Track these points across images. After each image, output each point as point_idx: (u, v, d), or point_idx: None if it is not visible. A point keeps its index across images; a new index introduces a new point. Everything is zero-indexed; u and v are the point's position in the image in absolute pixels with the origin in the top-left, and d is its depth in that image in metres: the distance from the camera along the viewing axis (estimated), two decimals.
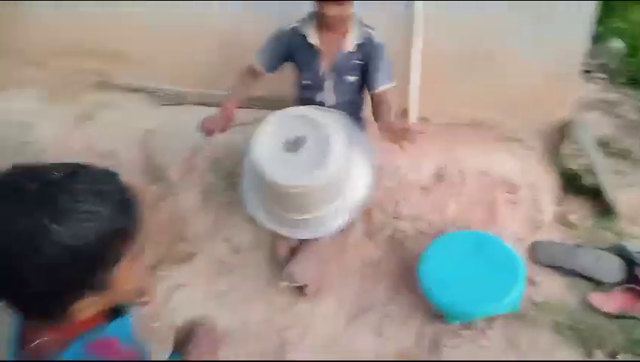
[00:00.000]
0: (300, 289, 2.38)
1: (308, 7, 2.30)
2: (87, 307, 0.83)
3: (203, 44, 2.98)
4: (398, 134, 2.11)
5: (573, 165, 2.69)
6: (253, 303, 2.38)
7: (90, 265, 0.78)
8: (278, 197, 2.25)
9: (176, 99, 3.13)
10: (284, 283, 2.35)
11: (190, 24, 2.93)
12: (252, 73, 2.43)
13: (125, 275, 0.85)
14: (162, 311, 2.33)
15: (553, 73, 2.62)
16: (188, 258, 2.59)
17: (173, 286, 2.45)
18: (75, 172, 0.79)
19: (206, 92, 3.07)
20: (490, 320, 2.24)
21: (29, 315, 0.84)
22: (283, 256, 2.43)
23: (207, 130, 2.32)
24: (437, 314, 2.28)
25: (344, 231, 2.53)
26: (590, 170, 2.68)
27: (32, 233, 0.72)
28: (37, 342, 0.84)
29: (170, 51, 3.03)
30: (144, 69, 3.16)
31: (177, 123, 2.96)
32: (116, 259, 0.82)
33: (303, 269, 2.34)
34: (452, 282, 2.21)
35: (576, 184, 2.68)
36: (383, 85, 2.32)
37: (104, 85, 3.25)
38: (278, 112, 2.25)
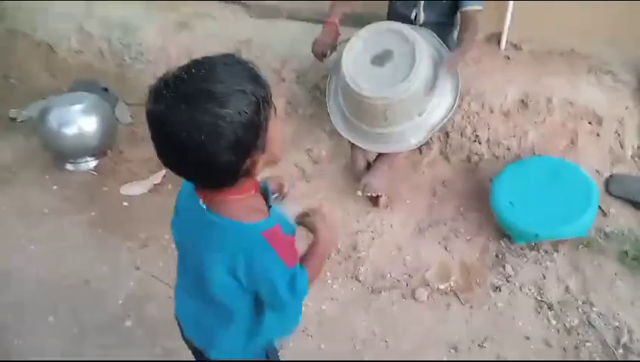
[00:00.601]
0: (374, 200, 2.52)
1: None
2: (258, 166, 0.99)
3: None
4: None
5: None
6: (329, 207, 2.54)
7: (256, 130, 0.93)
8: (362, 110, 2.36)
9: (269, 13, 3.24)
10: (360, 193, 2.49)
11: None
12: None
13: (275, 135, 0.99)
14: None
15: None
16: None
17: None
18: (213, 64, 0.92)
19: (296, 6, 3.15)
20: (557, 244, 2.30)
21: (213, 186, 1.01)
22: (360, 168, 2.56)
23: (320, 53, 2.43)
24: (505, 234, 2.36)
25: (421, 149, 2.62)
26: None
27: (213, 123, 0.87)
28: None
29: None
30: None
31: (269, 34, 3.09)
32: (267, 121, 0.96)
33: (378, 181, 2.46)
34: (523, 203, 2.27)
35: None
36: (471, 5, 2.32)
37: None
38: (369, 26, 2.32)
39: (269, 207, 1.11)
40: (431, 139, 2.56)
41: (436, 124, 2.37)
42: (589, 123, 2.53)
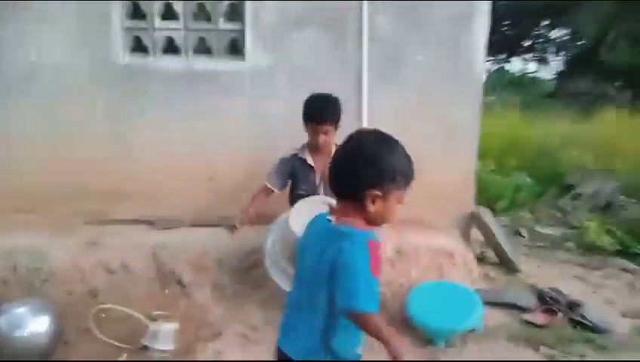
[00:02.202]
0: None
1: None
2: (368, 204, 1.52)
3: (193, 179, 3.80)
4: None
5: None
6: None
7: (389, 177, 1.51)
8: None
9: (174, 224, 3.76)
10: None
11: (180, 163, 3.78)
12: (265, 192, 3.31)
13: (389, 205, 1.53)
14: None
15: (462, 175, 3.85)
16: (216, 336, 3.07)
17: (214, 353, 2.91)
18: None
19: (197, 216, 3.78)
20: (464, 339, 3.05)
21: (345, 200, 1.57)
22: None
23: (236, 225, 3.08)
24: (426, 341, 3.02)
25: None
26: (495, 247, 3.84)
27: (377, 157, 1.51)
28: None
29: (162, 185, 3.78)
30: (139, 203, 3.81)
31: (180, 239, 3.59)
32: (390, 186, 1.51)
33: None
34: (434, 312, 3.03)
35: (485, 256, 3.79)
36: None
37: (102, 221, 3.79)
38: (303, 201, 3.11)
39: None
40: None
41: None
42: (448, 259, 3.54)
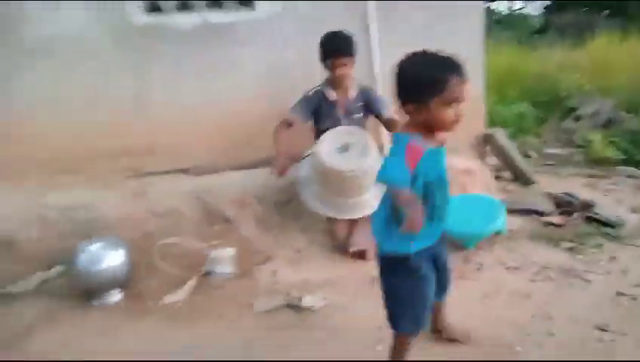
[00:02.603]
0: (362, 254, 3.29)
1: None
2: (414, 114, 1.79)
3: (216, 129, 4.02)
4: None
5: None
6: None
7: (415, 90, 1.77)
8: (337, 185, 3.26)
9: (207, 170, 4.01)
10: (353, 249, 3.27)
11: (201, 114, 3.99)
12: (286, 125, 3.52)
13: (435, 112, 1.74)
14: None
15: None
16: (268, 260, 3.37)
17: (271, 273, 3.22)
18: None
19: (229, 161, 4.02)
20: (491, 241, 3.35)
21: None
22: (343, 234, 3.37)
23: (282, 169, 3.35)
24: (459, 246, 3.32)
25: None
26: (510, 163, 4.13)
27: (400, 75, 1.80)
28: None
29: (186, 138, 4.01)
30: (167, 156, 4.05)
31: (222, 182, 3.85)
32: (422, 96, 1.74)
33: (362, 239, 3.28)
34: (462, 220, 3.31)
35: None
36: (387, 109, 3.54)
37: (140, 174, 4.03)
38: (329, 131, 3.35)
39: None
40: None
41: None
42: (468, 175, 3.82)
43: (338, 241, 3.42)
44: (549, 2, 19.69)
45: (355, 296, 2.90)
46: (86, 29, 3.86)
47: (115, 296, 3.03)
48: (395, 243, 1.92)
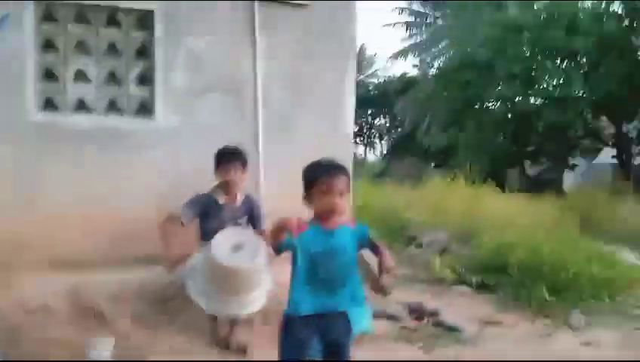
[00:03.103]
0: (244, 349, 3.48)
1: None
2: (308, 204, 2.33)
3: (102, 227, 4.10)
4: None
5: None
6: None
7: (306, 185, 2.32)
8: (230, 283, 3.48)
9: (87, 266, 3.98)
10: (233, 346, 3.45)
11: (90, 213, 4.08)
12: (172, 221, 3.73)
13: (316, 199, 2.25)
14: None
15: None
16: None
17: None
18: None
19: (111, 259, 4.06)
20: (360, 341, 3.72)
21: None
22: (224, 332, 3.54)
23: (172, 265, 3.52)
24: None
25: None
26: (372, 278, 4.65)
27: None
28: None
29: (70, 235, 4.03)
30: (48, 250, 3.99)
31: (97, 278, 3.84)
32: (309, 190, 2.30)
33: (244, 335, 3.49)
34: None
35: None
36: (261, 223, 3.92)
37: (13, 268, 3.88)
38: (222, 231, 3.62)
39: None
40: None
41: (269, 288, 3.67)
42: None
43: (219, 338, 3.56)
44: (387, 151, 22.46)
45: None
46: None
47: None
48: (289, 304, 2.33)
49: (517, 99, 16.19)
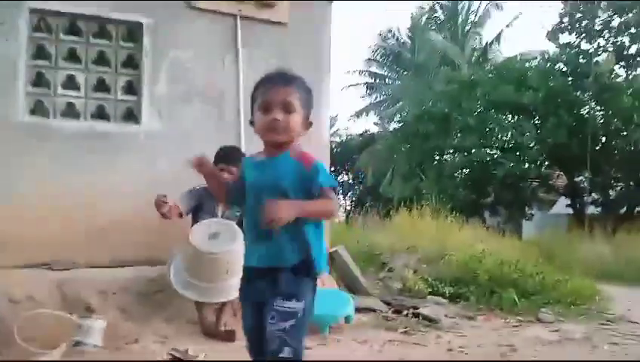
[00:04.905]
0: (231, 334, 3.53)
1: None
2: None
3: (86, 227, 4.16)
4: None
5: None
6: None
7: (253, 98, 1.92)
8: (207, 269, 3.57)
9: (74, 265, 3.99)
10: (221, 329, 3.50)
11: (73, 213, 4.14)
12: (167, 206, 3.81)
13: (256, 120, 1.85)
14: None
15: None
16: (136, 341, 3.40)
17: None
18: None
19: (99, 258, 4.09)
20: (341, 328, 3.84)
21: None
22: (211, 318, 3.60)
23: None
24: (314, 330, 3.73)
25: None
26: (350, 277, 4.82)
27: None
28: None
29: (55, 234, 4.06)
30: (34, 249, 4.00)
31: (84, 275, 3.87)
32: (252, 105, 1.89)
33: (231, 319, 3.56)
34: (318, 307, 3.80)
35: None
36: None
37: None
38: (201, 222, 3.75)
39: None
40: None
41: None
42: None
43: (206, 325, 3.61)
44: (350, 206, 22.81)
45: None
46: None
47: None
48: None
49: (473, 150, 16.92)
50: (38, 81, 4.27)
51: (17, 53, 4.14)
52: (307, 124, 1.91)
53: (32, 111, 4.22)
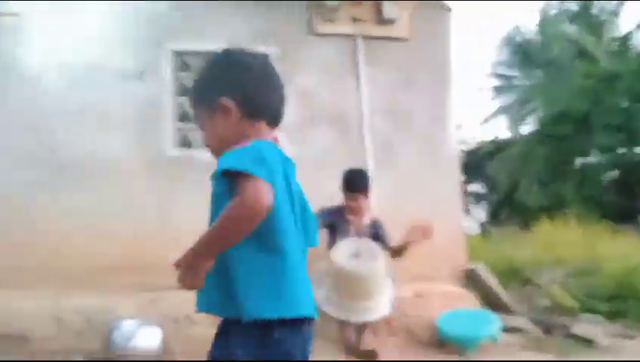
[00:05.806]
0: (371, 353, 3.52)
1: None
2: None
3: None
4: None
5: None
6: None
7: None
8: (351, 288, 3.59)
9: None
10: (363, 348, 3.51)
11: None
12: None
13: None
14: None
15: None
16: None
17: None
18: None
19: None
20: (486, 350, 3.66)
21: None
22: (352, 337, 3.61)
23: None
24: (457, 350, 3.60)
25: None
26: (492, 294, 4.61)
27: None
28: None
29: None
30: None
31: None
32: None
33: (372, 339, 3.55)
34: (462, 327, 3.67)
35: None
36: (390, 240, 4.02)
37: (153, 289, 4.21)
38: (342, 241, 3.78)
39: None
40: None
41: (392, 298, 3.73)
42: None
43: (348, 344, 3.63)
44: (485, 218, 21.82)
45: None
46: (121, 153, 4.41)
47: None
48: None
49: (619, 150, 15.47)
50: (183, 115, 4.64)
51: (162, 92, 4.54)
52: (217, 111, 1.49)
53: (179, 145, 4.58)
